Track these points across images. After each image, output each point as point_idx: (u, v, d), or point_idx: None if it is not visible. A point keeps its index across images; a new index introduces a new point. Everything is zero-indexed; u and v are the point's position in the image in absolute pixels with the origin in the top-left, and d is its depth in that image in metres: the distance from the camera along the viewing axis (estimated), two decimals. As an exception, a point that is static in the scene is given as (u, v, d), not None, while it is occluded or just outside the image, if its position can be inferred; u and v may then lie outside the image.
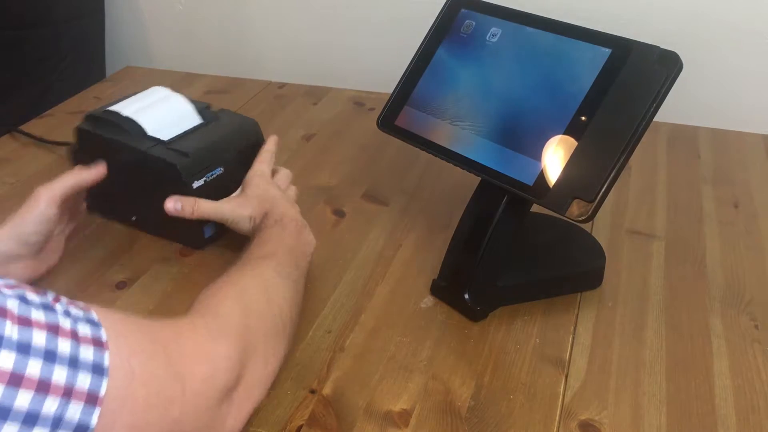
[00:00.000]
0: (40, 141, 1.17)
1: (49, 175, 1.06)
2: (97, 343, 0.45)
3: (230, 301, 0.63)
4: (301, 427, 0.66)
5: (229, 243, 0.89)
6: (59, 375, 0.42)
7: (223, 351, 0.57)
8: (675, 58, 0.68)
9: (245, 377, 0.58)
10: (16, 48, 1.34)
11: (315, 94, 1.35)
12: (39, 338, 0.42)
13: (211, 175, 0.86)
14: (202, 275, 0.86)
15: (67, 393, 0.43)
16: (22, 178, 1.07)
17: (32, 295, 0.45)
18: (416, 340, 0.76)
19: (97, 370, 0.45)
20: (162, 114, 0.91)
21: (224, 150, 0.89)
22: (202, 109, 0.94)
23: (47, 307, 0.44)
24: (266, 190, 0.84)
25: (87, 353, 0.44)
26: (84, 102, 1.33)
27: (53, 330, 0.43)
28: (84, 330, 0.45)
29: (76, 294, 0.82)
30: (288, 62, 1.51)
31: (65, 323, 0.44)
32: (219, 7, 1.51)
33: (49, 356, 0.42)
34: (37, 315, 0.43)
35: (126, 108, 0.91)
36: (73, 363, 0.43)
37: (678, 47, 0.68)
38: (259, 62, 1.52)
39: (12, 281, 0.45)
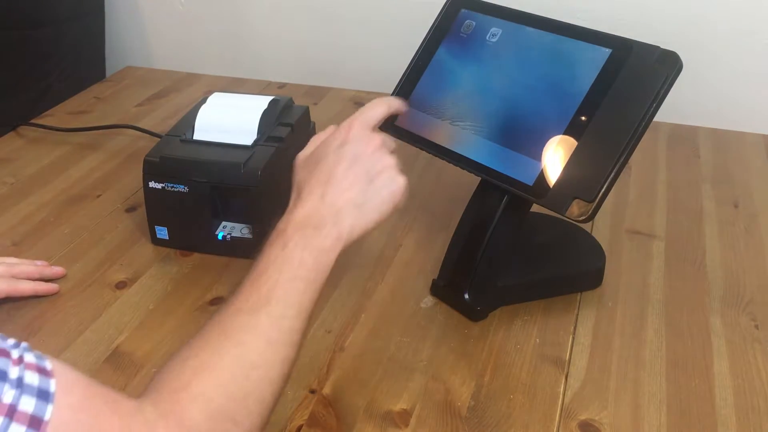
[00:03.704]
0: (51, 129, 1.19)
1: (49, 175, 1.08)
2: (34, 423, 0.42)
3: (199, 403, 0.51)
4: (301, 427, 0.66)
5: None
6: None
7: None
8: (675, 58, 0.68)
9: None
10: (16, 48, 1.34)
11: (315, 94, 1.35)
12: None
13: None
14: (203, 275, 0.86)
15: None
16: (22, 178, 1.07)
17: None
18: (416, 340, 0.76)
19: None
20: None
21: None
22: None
23: None
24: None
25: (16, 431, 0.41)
26: (84, 102, 1.33)
27: None
28: (25, 405, 0.42)
29: (76, 294, 0.82)
30: (288, 62, 1.51)
31: (7, 396, 0.42)
32: (219, 7, 1.51)
33: None
34: None
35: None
36: None
37: (678, 47, 0.68)
38: (259, 62, 1.52)
39: None
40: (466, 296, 0.78)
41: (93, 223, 0.96)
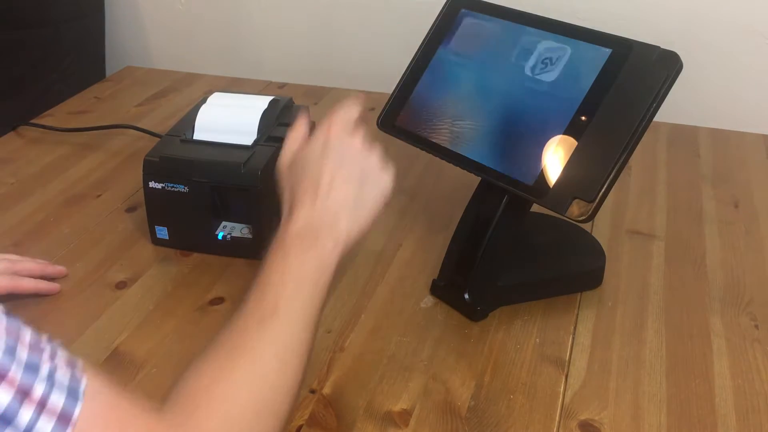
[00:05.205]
0: (51, 129, 1.18)
1: (49, 175, 1.08)
2: (63, 419, 0.43)
3: (215, 415, 0.52)
4: (301, 427, 0.66)
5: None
6: None
7: None
8: (675, 58, 0.68)
9: None
10: (16, 48, 1.34)
11: (315, 94, 1.35)
12: (2, 397, 0.40)
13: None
14: (202, 275, 0.86)
15: None
16: (22, 178, 1.07)
17: (22, 351, 0.42)
18: (416, 340, 0.76)
19: None
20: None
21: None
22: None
23: (31, 367, 0.42)
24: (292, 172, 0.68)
25: (44, 427, 0.42)
26: (84, 102, 1.33)
27: (21, 393, 0.41)
28: (56, 401, 0.43)
29: (76, 294, 0.82)
30: (288, 62, 1.51)
31: (38, 389, 0.42)
32: (219, 7, 1.51)
33: (2, 420, 0.40)
34: (14, 373, 0.41)
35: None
36: None
37: (678, 47, 0.68)
38: (259, 62, 1.52)
39: (16, 321, 0.44)
40: (466, 296, 0.78)
41: (93, 223, 0.96)
